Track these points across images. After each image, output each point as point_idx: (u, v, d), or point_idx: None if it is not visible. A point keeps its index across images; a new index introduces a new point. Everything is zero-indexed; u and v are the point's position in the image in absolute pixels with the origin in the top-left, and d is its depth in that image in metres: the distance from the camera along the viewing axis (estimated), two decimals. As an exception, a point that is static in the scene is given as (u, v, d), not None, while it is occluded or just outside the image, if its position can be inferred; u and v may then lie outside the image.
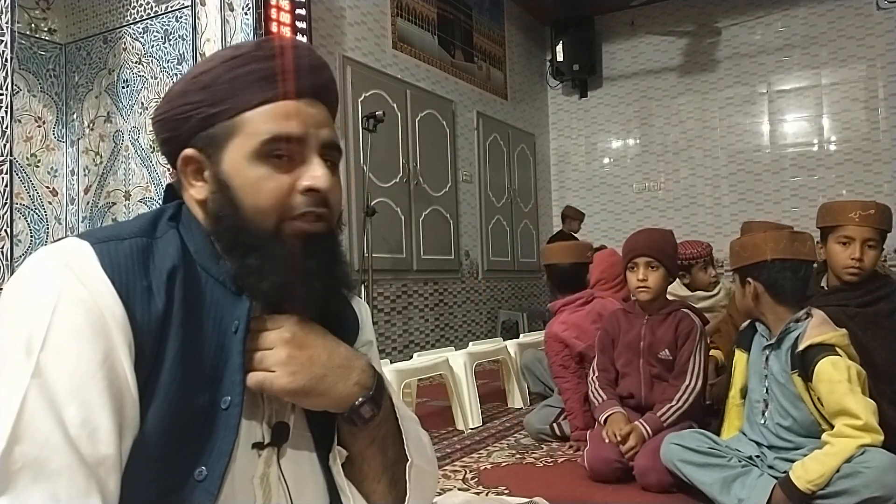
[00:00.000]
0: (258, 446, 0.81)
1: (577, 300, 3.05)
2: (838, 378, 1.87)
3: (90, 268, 0.73)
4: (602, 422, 2.47)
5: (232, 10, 3.70)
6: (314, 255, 0.81)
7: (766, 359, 2.09)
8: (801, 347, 1.95)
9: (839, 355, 1.91)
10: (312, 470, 0.87)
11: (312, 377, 0.80)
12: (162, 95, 3.99)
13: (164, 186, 4.30)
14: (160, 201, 0.91)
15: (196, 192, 0.83)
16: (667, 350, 2.50)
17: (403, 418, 0.89)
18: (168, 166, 3.79)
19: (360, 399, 0.83)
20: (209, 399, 0.77)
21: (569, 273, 3.11)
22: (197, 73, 0.83)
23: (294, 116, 0.81)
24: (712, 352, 3.02)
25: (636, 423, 2.38)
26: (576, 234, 6.22)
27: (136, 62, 4.02)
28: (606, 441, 2.35)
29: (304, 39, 3.99)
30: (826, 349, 1.92)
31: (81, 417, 0.67)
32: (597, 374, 2.64)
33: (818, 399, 1.93)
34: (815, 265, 2.19)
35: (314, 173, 0.80)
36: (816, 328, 1.97)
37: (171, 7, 3.89)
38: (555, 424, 2.91)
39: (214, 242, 0.83)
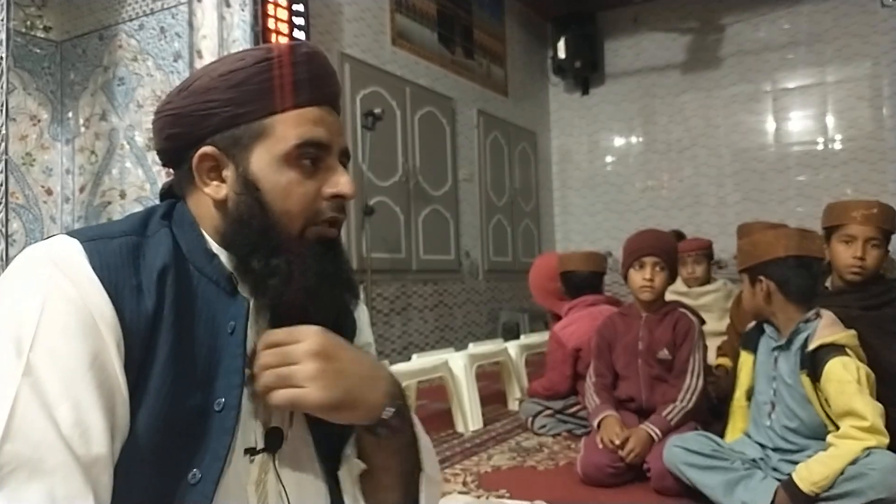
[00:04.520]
0: (251, 452, 0.80)
1: (583, 302, 3.18)
2: (848, 378, 1.86)
3: (79, 266, 0.72)
4: (596, 426, 2.45)
5: (229, 6, 3.68)
6: (334, 259, 0.83)
7: (776, 360, 2.07)
8: (811, 347, 1.94)
9: (849, 356, 1.90)
10: (314, 476, 0.85)
11: (345, 390, 0.78)
12: (158, 93, 3.92)
13: (159, 185, 4.22)
14: (156, 200, 0.90)
15: (212, 191, 0.82)
16: (665, 350, 2.49)
17: (416, 425, 0.89)
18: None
19: (390, 409, 0.81)
20: (201, 401, 0.76)
21: (587, 281, 3.26)
22: (225, 71, 0.81)
23: (321, 123, 0.82)
24: (720, 359, 3.02)
25: (641, 426, 2.36)
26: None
27: (131, 59, 3.99)
28: (600, 446, 2.33)
29: (302, 36, 3.96)
30: (836, 349, 1.91)
31: (73, 417, 0.67)
32: (593, 379, 2.62)
33: (826, 400, 1.91)
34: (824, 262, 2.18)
35: (341, 179, 0.83)
36: (827, 328, 1.97)
37: (168, 4, 3.86)
38: (530, 419, 3.11)
39: (225, 242, 0.81)
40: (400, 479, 0.86)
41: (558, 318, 3.30)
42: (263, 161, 0.80)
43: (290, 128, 0.80)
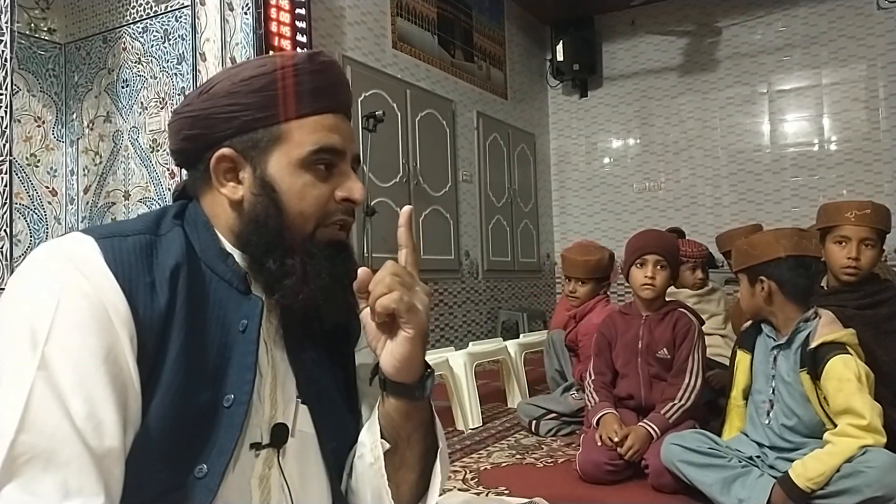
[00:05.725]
0: (256, 447, 0.81)
1: (606, 298, 3.28)
2: (848, 377, 1.87)
3: (93, 262, 0.73)
4: (594, 423, 2.47)
5: (232, 9, 3.70)
6: (346, 261, 0.85)
7: (774, 359, 2.09)
8: (812, 345, 1.95)
9: (850, 354, 1.92)
10: (318, 472, 0.87)
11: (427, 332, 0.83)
12: (162, 95, 3.93)
13: (163, 186, 4.20)
14: (160, 201, 0.92)
15: (229, 191, 0.83)
16: (665, 349, 2.51)
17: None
18: (167, 165, 3.73)
19: (429, 370, 0.84)
20: (211, 397, 0.77)
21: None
22: (247, 76, 0.83)
23: (336, 130, 0.85)
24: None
25: (640, 423, 2.38)
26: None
27: (135, 62, 4.01)
28: (599, 444, 2.35)
29: (304, 39, 3.98)
30: (837, 347, 1.93)
31: (87, 410, 0.68)
32: (593, 377, 2.64)
33: (824, 398, 1.93)
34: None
35: (353, 185, 0.85)
36: (827, 327, 1.98)
37: (171, 7, 3.88)
38: (534, 422, 3.06)
39: (240, 242, 0.83)
40: (420, 458, 0.87)
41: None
42: (280, 164, 0.82)
43: (307, 133, 0.82)
